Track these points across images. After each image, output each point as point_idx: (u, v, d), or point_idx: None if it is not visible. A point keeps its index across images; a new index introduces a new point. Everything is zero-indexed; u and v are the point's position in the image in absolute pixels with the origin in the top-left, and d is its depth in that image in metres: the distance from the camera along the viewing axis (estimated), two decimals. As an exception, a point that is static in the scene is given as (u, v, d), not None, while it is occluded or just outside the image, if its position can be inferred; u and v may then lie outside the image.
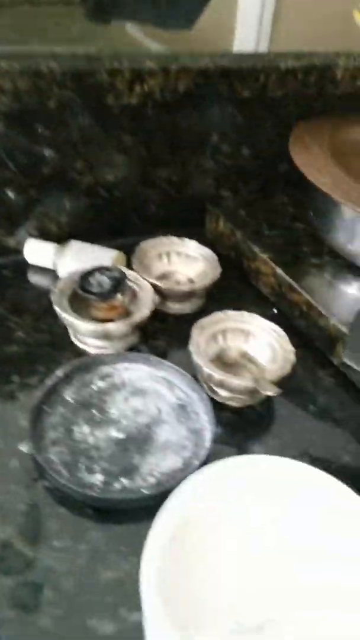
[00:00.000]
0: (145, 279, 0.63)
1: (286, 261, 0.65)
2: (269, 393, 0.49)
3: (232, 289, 0.68)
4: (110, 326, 0.56)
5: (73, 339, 0.62)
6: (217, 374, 0.52)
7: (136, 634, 0.36)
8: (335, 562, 0.40)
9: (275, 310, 0.66)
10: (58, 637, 0.39)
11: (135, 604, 0.36)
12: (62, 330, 0.62)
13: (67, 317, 0.57)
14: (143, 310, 0.59)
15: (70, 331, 0.62)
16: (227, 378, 0.51)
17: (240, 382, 0.51)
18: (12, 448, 0.50)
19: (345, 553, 0.40)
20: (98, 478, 0.48)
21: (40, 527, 0.45)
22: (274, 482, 0.42)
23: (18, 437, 0.51)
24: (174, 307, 0.65)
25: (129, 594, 0.41)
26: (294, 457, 0.43)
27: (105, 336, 0.58)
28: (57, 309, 0.58)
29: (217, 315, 0.59)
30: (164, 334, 0.64)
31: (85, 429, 0.52)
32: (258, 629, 0.37)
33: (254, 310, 0.60)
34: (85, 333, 0.58)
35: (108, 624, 0.39)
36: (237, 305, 0.61)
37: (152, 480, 0.48)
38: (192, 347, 0.54)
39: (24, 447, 0.50)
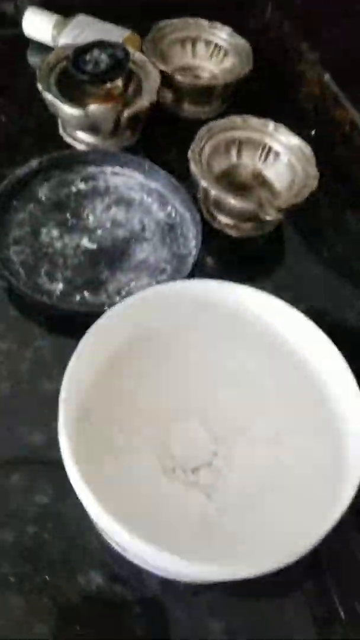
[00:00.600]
0: (156, 66, 0.50)
1: (339, 66, 0.51)
2: (269, 217, 0.40)
3: (265, 98, 0.55)
4: (94, 108, 0.45)
5: (61, 131, 0.52)
6: (215, 190, 0.42)
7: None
8: (278, 405, 0.34)
9: (313, 133, 0.53)
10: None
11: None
12: (51, 121, 0.52)
13: (48, 95, 0.47)
14: (142, 101, 0.47)
15: (59, 122, 0.52)
16: (224, 195, 0.42)
17: (239, 202, 0.42)
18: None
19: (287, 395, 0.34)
20: (58, 287, 0.42)
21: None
22: (232, 310, 0.35)
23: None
24: (189, 109, 0.53)
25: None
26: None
27: (93, 127, 0.47)
28: (39, 85, 0.48)
29: (234, 120, 0.47)
30: (170, 140, 0.52)
31: (55, 232, 0.45)
32: (194, 472, 0.33)
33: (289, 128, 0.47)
34: (68, 119, 0.48)
35: (38, 434, 0.36)
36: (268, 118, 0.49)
37: (117, 299, 0.42)
38: (191, 154, 0.44)
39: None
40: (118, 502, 0.29)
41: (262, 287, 0.44)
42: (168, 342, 0.35)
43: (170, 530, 0.31)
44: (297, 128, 0.52)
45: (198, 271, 0.44)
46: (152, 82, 0.49)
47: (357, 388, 0.30)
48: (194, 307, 0.35)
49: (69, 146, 0.51)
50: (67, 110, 0.46)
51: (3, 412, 0.37)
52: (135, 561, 0.30)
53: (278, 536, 0.30)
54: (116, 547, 0.30)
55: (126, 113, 0.46)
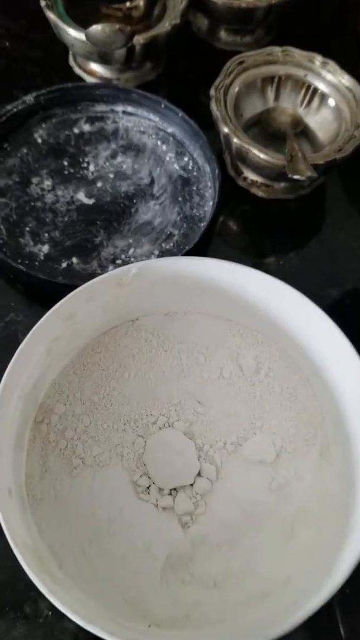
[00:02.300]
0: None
1: None
2: (297, 177, 0.31)
3: (318, 29, 0.44)
4: (94, 28, 0.36)
5: (72, 62, 0.44)
6: (238, 138, 0.34)
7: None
8: (282, 417, 0.27)
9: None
10: None
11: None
12: (60, 49, 0.44)
13: (50, 14, 0.39)
14: (163, 24, 0.39)
15: (70, 52, 0.44)
16: (248, 145, 0.33)
17: (265, 155, 0.33)
18: None
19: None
20: (43, 249, 0.36)
21: None
22: (233, 295, 0.28)
23: None
24: (226, 39, 0.44)
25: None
26: (312, 286, 0.27)
27: (103, 55, 0.39)
28: (42, 2, 0.40)
29: (273, 51, 0.37)
30: (200, 76, 0.43)
31: (47, 183, 0.38)
32: (172, 494, 0.27)
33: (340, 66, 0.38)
34: (72, 44, 0.40)
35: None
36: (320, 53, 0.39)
37: (110, 268, 0.35)
38: (214, 91, 0.35)
39: None
40: (71, 530, 0.23)
41: (287, 263, 0.37)
42: (155, 328, 0.29)
43: (133, 566, 0.25)
44: (354, 68, 0.42)
45: (215, 238, 0.37)
46: (177, 2, 0.40)
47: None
48: (189, 288, 0.28)
49: (79, 80, 0.43)
50: (71, 32, 0.38)
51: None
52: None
53: (262, 585, 0.24)
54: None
55: (142, 39, 0.38)
